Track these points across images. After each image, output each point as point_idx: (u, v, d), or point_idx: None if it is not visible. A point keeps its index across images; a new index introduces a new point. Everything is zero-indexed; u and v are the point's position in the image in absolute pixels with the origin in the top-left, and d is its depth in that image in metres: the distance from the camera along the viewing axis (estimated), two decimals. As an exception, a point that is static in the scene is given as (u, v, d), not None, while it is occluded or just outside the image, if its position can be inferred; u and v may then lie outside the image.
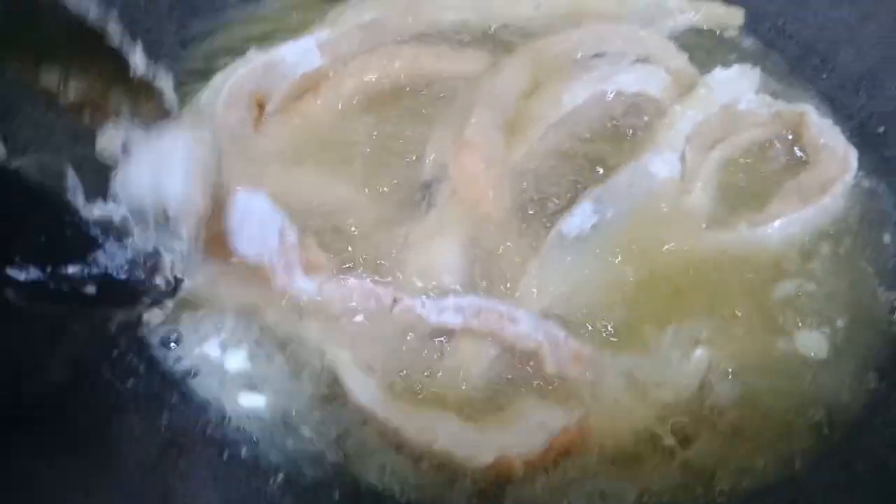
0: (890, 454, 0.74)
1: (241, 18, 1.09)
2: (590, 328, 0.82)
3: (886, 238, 0.92)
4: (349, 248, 0.86)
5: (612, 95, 1.00)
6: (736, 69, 1.00)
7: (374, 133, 0.98)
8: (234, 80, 0.93)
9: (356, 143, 0.97)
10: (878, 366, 0.83)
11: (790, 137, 0.97)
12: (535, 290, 0.80)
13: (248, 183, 0.83)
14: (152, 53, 0.67)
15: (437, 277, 0.82)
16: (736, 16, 1.14)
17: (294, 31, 1.04)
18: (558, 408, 0.73)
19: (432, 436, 0.70)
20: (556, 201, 0.91)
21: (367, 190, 0.92)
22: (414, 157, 0.94)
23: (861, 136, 1.01)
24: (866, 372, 0.82)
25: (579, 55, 1.04)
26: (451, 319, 0.76)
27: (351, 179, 0.94)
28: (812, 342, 0.83)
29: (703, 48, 1.09)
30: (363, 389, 0.75)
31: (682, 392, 0.77)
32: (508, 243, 0.86)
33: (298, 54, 0.97)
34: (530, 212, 0.90)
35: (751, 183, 0.93)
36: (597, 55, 1.04)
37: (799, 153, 0.96)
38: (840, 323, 0.84)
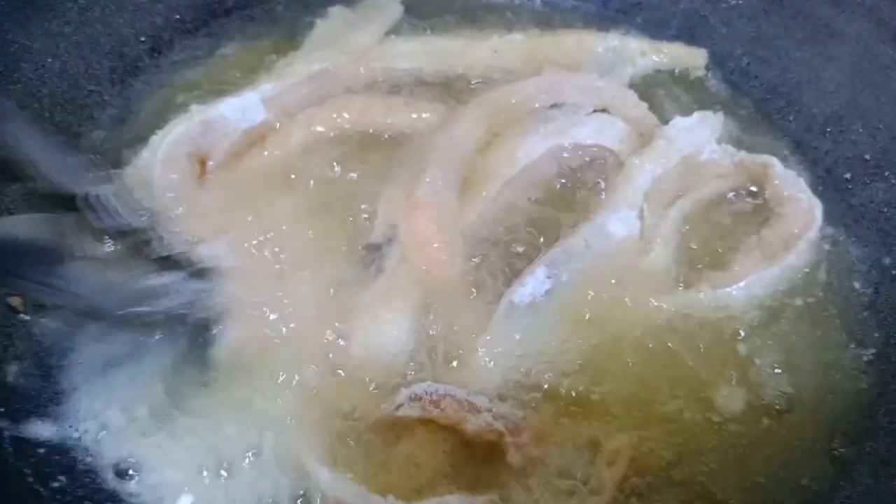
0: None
1: (186, 74, 1.04)
2: (550, 399, 0.77)
3: (855, 290, 0.88)
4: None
5: (568, 149, 0.96)
6: (696, 117, 0.97)
7: (325, 189, 0.93)
8: (170, 140, 0.89)
9: (304, 199, 0.93)
10: (844, 430, 0.79)
11: (754, 189, 0.93)
12: (488, 365, 0.76)
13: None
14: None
15: (384, 351, 0.77)
16: (699, 57, 1.11)
17: (241, 84, 0.99)
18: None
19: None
20: (512, 264, 0.86)
21: (317, 248, 0.88)
22: (365, 217, 0.90)
23: (827, 182, 0.98)
24: (831, 438, 0.78)
25: (536, 105, 1.00)
26: (408, 411, 0.71)
27: (301, 236, 0.89)
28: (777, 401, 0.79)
29: (666, 93, 1.06)
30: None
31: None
32: (461, 313, 0.81)
33: (239, 110, 0.93)
34: (485, 277, 0.85)
35: (713, 239, 0.89)
36: (555, 105, 1.00)
37: (762, 205, 0.92)
38: (806, 383, 0.80)
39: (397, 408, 0.71)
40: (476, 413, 0.70)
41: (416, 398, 0.71)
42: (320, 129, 0.97)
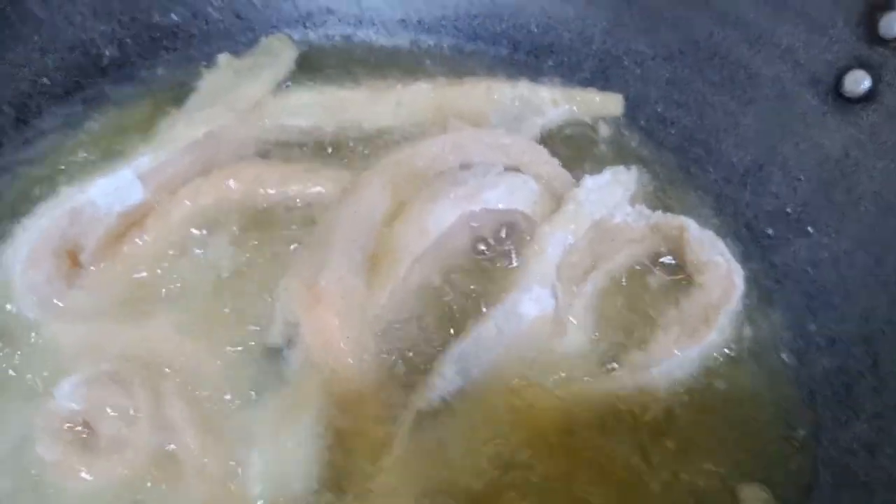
0: None
1: (57, 147, 0.93)
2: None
3: (781, 363, 0.84)
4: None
5: (480, 214, 0.89)
6: (608, 174, 0.92)
7: (216, 277, 0.85)
8: (33, 237, 0.79)
9: (194, 290, 0.84)
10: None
11: (670, 254, 0.88)
12: (398, 488, 0.69)
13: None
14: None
15: (286, 484, 0.70)
16: (615, 103, 1.06)
17: (117, 156, 0.90)
18: None
19: None
20: (427, 356, 0.79)
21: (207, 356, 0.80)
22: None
23: (748, 240, 0.95)
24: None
25: (444, 167, 0.93)
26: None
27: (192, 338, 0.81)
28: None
29: (580, 146, 1.00)
30: None
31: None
32: (367, 427, 0.74)
33: (111, 193, 0.84)
34: (396, 375, 0.78)
35: (631, 313, 0.84)
36: (464, 166, 0.94)
37: (681, 271, 0.87)
38: (735, 464, 0.76)
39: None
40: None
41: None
42: (206, 204, 0.88)
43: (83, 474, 0.68)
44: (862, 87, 0.91)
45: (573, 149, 1.01)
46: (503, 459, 0.73)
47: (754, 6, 0.99)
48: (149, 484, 0.68)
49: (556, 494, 0.71)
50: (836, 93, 0.93)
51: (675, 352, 0.79)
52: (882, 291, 0.83)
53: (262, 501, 0.68)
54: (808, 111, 0.95)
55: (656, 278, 0.87)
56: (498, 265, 0.88)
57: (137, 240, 0.86)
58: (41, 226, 0.79)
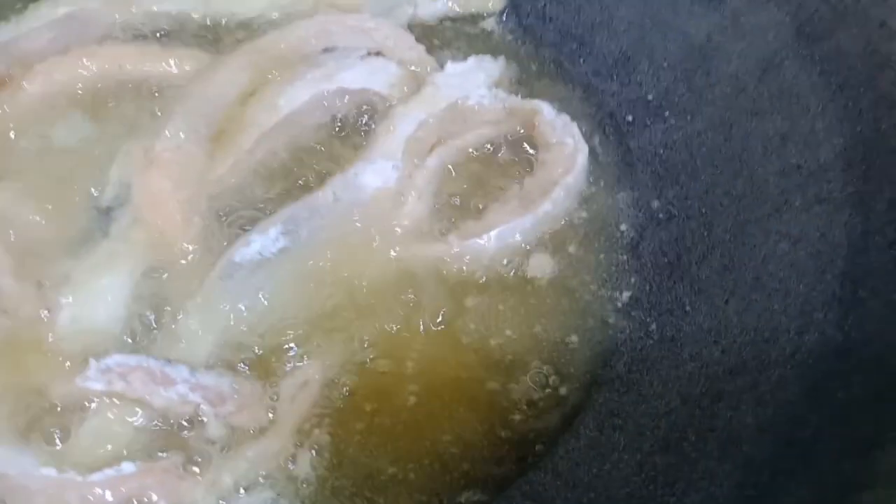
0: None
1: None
2: (273, 364, 0.72)
3: (620, 233, 0.84)
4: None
5: (336, 94, 0.89)
6: (472, 61, 0.91)
7: (65, 148, 0.85)
8: None
9: (41, 158, 0.85)
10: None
11: (522, 135, 0.88)
12: (198, 332, 0.69)
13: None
14: None
15: (93, 323, 0.70)
16: (496, 1, 1.05)
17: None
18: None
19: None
20: (258, 221, 0.80)
21: (50, 210, 0.80)
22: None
23: (609, 127, 0.94)
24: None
25: (307, 51, 0.93)
26: (94, 385, 0.64)
27: (34, 199, 0.81)
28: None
29: (452, 38, 1.00)
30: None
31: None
32: (185, 277, 0.74)
33: (-36, 61, 0.83)
34: (227, 236, 0.78)
35: (474, 189, 0.85)
36: (327, 50, 0.93)
37: (531, 153, 0.87)
38: (544, 332, 0.76)
39: (84, 381, 0.64)
40: (169, 385, 0.64)
41: (106, 371, 0.64)
42: (60, 79, 0.88)
43: None
44: (727, -27, 0.90)
45: (448, 39, 1.00)
46: (310, 315, 0.73)
47: None
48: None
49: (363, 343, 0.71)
50: (704, -20, 0.92)
51: (507, 220, 0.78)
52: (726, 167, 0.83)
53: (65, 339, 0.68)
54: (678, 1, 0.94)
55: (506, 159, 0.87)
56: (350, 144, 0.87)
57: (-10, 109, 0.86)
58: None
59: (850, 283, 0.64)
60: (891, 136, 0.69)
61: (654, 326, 0.75)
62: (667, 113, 0.91)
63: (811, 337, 0.63)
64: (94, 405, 0.65)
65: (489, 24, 1.04)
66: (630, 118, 0.94)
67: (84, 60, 0.91)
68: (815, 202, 0.72)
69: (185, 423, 0.66)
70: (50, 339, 0.69)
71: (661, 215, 0.85)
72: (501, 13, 1.05)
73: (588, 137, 0.90)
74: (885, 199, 0.66)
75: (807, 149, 0.76)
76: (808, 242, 0.70)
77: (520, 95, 0.93)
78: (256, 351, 0.72)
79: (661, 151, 0.89)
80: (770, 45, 0.84)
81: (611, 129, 0.94)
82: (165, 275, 0.75)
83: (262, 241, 0.74)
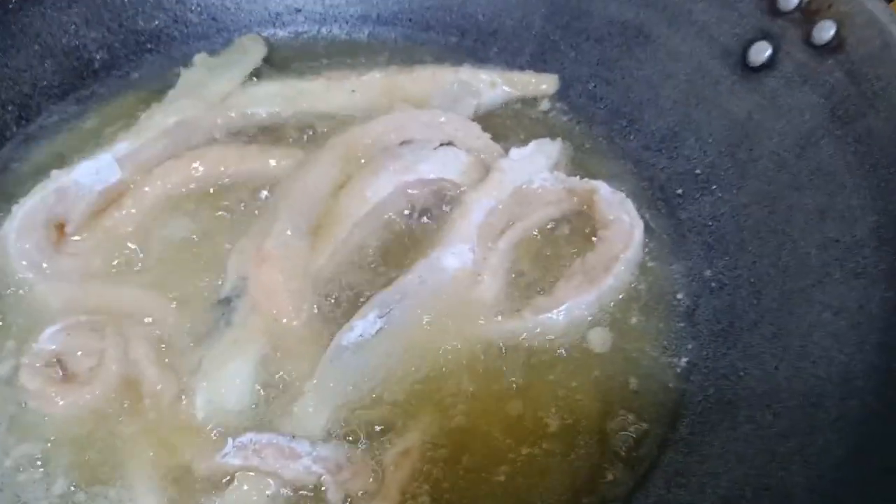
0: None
1: (54, 140, 1.08)
2: (379, 433, 0.83)
3: (676, 301, 0.93)
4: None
5: (415, 184, 1.01)
6: (532, 146, 1.02)
7: (184, 243, 0.99)
8: (24, 211, 0.94)
9: (165, 253, 0.98)
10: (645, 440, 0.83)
11: (583, 214, 0.98)
12: (316, 408, 0.81)
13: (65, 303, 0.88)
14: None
15: (226, 405, 0.82)
16: (550, 83, 1.16)
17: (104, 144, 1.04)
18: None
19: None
20: (359, 305, 0.91)
21: (174, 304, 0.93)
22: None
23: (660, 200, 1.04)
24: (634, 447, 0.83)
25: (388, 144, 1.05)
26: (232, 460, 0.76)
27: (160, 293, 0.94)
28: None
29: (514, 123, 1.11)
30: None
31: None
32: (301, 361, 0.86)
33: (93, 174, 0.98)
34: (332, 321, 0.90)
35: (542, 266, 0.95)
36: (405, 142, 1.05)
37: (591, 229, 0.97)
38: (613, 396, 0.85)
39: (224, 457, 0.76)
40: (296, 459, 0.76)
41: (241, 448, 0.76)
42: (175, 181, 1.02)
43: (59, 401, 0.81)
44: (764, 55, 0.99)
45: (510, 124, 1.11)
46: (409, 387, 0.84)
47: (674, -12, 1.08)
48: (111, 410, 0.82)
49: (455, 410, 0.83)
50: (743, 63, 1.01)
51: (575, 295, 0.88)
52: (772, 239, 0.92)
53: (204, 420, 0.80)
54: (720, 80, 1.04)
55: (568, 235, 0.97)
56: (430, 229, 0.99)
57: (116, 213, 1.00)
58: (33, 202, 0.94)
59: (886, 354, 0.72)
60: (919, 217, 0.77)
61: (711, 391, 0.83)
62: (714, 186, 1.00)
63: (853, 403, 0.71)
64: (234, 479, 0.77)
65: (545, 105, 1.15)
66: (680, 191, 1.03)
67: (194, 163, 1.04)
68: (852, 276, 0.80)
69: (308, 492, 0.77)
70: (190, 421, 0.81)
71: (713, 284, 0.93)
72: (555, 96, 1.15)
73: (642, 211, 0.99)
74: (915, 275, 0.74)
75: (844, 224, 0.84)
76: (849, 314, 0.78)
77: (577, 174, 1.03)
78: (363, 422, 0.83)
79: (711, 223, 0.98)
80: (807, 124, 0.93)
81: (662, 203, 1.03)
82: (282, 357, 0.86)
83: (363, 325, 0.85)
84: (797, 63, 0.94)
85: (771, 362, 0.81)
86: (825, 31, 0.92)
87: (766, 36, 0.99)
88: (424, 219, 1.00)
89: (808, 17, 0.94)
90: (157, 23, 1.20)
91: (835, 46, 0.90)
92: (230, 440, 0.77)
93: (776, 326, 0.84)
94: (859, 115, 0.87)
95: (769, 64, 0.98)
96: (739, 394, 0.81)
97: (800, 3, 0.95)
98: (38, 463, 0.80)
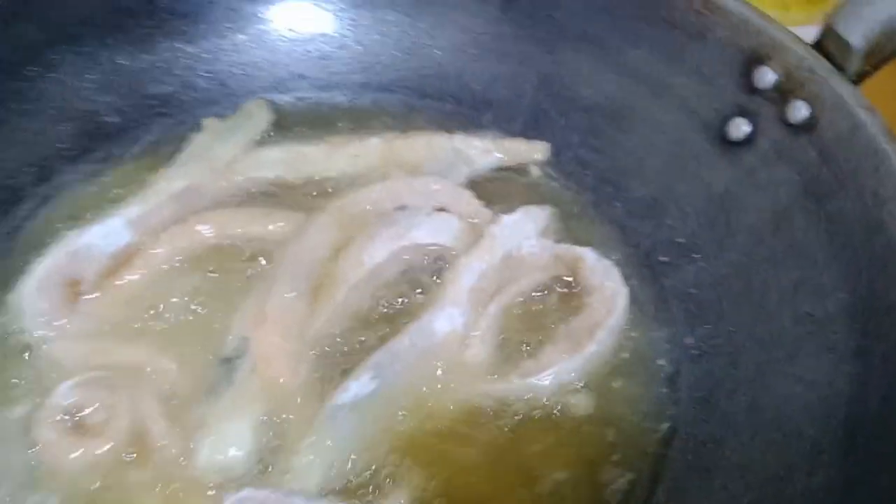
0: None
1: (69, 201, 1.14)
2: (373, 490, 0.87)
3: (658, 367, 0.97)
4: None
5: (410, 249, 1.06)
6: (520, 213, 1.07)
7: (192, 303, 1.03)
8: (41, 271, 0.99)
9: (171, 314, 1.03)
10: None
11: (569, 280, 1.03)
12: (311, 464, 0.85)
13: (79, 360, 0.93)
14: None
15: (225, 462, 0.86)
16: (540, 150, 1.21)
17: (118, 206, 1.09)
18: None
19: None
20: (351, 366, 0.95)
21: (181, 362, 0.97)
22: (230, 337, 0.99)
23: (645, 267, 1.08)
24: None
25: (384, 209, 1.10)
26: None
27: (169, 351, 0.99)
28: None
29: (504, 189, 1.17)
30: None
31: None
32: (298, 420, 0.90)
33: (104, 237, 1.03)
34: (327, 382, 0.94)
35: (527, 329, 0.99)
36: (399, 208, 1.11)
37: (577, 295, 1.02)
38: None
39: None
40: (290, 516, 0.80)
41: (238, 503, 0.80)
42: (181, 245, 1.07)
43: (72, 453, 0.86)
44: (742, 132, 1.05)
45: (502, 189, 1.17)
46: (399, 444, 0.88)
47: (657, 63, 1.14)
48: (121, 463, 0.86)
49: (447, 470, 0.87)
50: (722, 137, 1.07)
51: (560, 361, 0.93)
52: (749, 311, 0.96)
53: (205, 475, 0.84)
54: (701, 153, 1.09)
55: (553, 301, 1.02)
56: (422, 293, 1.03)
57: (126, 274, 1.05)
58: (47, 264, 0.99)
59: (850, 428, 0.76)
60: (882, 297, 0.81)
61: (690, 457, 0.87)
62: (696, 255, 1.05)
63: (818, 478, 0.75)
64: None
65: (535, 171, 1.21)
66: (664, 259, 1.08)
67: (200, 226, 1.09)
68: (824, 350, 0.84)
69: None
70: (193, 475, 0.85)
71: (694, 351, 0.98)
72: (545, 162, 1.21)
73: (628, 278, 1.04)
74: (879, 354, 0.78)
75: (816, 299, 0.89)
76: (819, 388, 0.82)
77: (566, 239, 1.08)
78: (356, 477, 0.87)
79: (693, 291, 1.03)
80: (782, 200, 0.98)
81: (647, 270, 1.08)
82: (281, 415, 0.90)
83: (358, 386, 0.90)
84: (773, 140, 1.00)
85: (747, 432, 0.85)
86: (799, 110, 0.97)
87: (743, 112, 1.04)
88: (416, 282, 1.05)
89: (783, 96, 0.99)
90: (167, 88, 1.25)
91: (809, 126, 0.96)
92: (226, 496, 0.81)
93: (750, 397, 0.88)
94: (831, 194, 0.92)
95: (747, 140, 1.04)
96: (717, 462, 0.85)
97: (776, 82, 1.00)
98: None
